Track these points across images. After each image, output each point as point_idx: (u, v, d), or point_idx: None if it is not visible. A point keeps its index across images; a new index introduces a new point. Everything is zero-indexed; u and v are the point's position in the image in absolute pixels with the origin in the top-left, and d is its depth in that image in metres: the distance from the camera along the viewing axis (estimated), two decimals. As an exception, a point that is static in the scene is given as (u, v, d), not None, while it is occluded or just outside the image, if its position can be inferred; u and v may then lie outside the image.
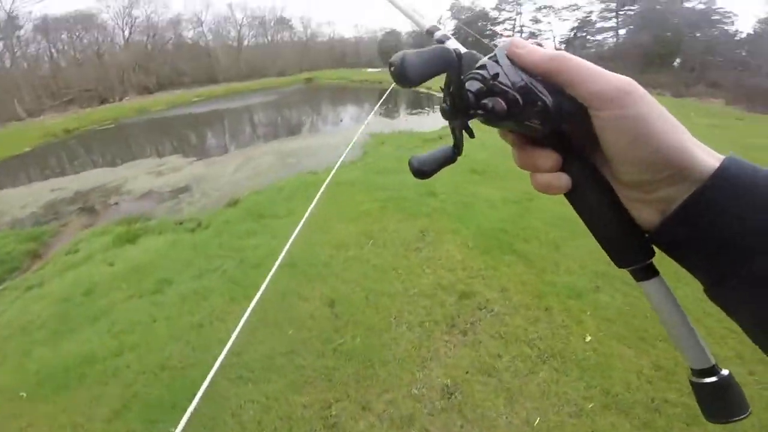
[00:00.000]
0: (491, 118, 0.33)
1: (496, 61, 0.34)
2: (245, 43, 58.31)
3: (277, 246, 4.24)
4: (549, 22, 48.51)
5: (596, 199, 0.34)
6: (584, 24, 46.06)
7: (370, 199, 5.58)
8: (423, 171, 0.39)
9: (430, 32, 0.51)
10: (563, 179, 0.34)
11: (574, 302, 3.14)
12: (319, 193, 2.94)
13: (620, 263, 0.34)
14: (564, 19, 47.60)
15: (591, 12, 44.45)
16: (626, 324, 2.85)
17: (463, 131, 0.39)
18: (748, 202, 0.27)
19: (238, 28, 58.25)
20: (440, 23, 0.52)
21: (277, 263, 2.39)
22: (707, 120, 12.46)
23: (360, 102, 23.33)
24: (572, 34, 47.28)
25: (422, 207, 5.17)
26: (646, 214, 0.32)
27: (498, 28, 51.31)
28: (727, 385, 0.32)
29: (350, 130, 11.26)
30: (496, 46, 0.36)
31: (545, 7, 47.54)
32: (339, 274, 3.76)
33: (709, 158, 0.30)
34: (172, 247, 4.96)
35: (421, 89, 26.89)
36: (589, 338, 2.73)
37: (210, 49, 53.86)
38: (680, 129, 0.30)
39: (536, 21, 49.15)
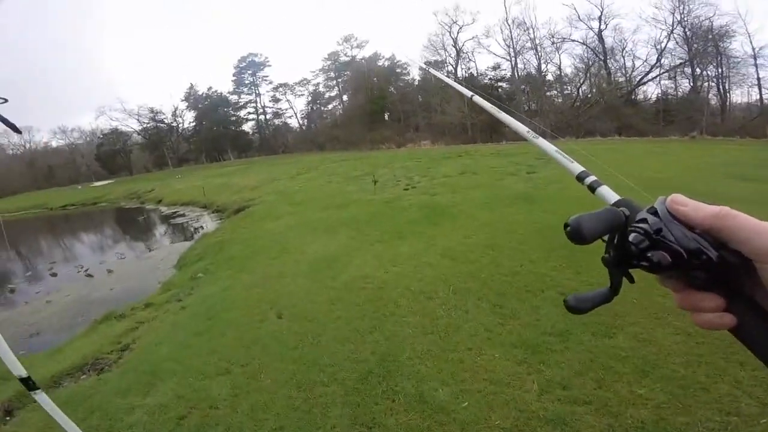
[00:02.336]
0: (655, 269, 0.34)
1: (656, 214, 0.35)
2: None
3: None
4: (288, 100, 49.64)
5: (764, 334, 0.33)
6: (316, 96, 49.44)
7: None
8: (579, 308, 0.40)
9: (580, 178, 0.53)
10: (726, 318, 0.34)
11: None
12: None
13: None
14: (300, 94, 49.43)
15: (318, 84, 48.29)
16: None
17: (623, 276, 0.40)
18: None
19: None
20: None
21: None
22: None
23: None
24: (309, 107, 50.17)
25: None
26: None
27: (241, 113, 49.13)
28: None
29: None
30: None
31: (281, 85, 48.54)
32: None
33: None
34: None
35: (132, 205, 20.27)
36: None
37: None
38: None
39: (276, 100, 49.57)
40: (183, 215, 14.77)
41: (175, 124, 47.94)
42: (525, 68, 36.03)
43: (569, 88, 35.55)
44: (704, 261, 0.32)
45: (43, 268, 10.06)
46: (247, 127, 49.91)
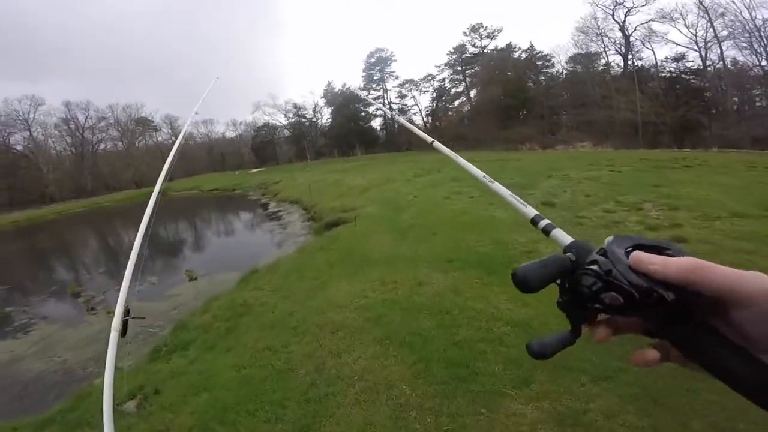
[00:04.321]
0: (609, 310, 0.33)
1: (605, 255, 0.33)
2: (90, 149, 42.90)
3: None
4: (413, 96, 46.32)
5: (734, 362, 0.30)
6: (441, 92, 44.50)
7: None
8: (544, 354, 0.37)
9: (534, 222, 0.51)
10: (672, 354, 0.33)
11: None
12: None
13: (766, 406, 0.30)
14: (425, 91, 45.28)
15: (444, 79, 43.30)
16: None
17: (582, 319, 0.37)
18: None
19: (81, 132, 42.54)
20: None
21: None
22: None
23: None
24: (434, 104, 45.62)
25: None
26: None
27: (370, 109, 48.04)
28: None
29: None
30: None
31: (407, 81, 45.45)
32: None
33: None
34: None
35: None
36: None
37: (33, 159, 37.24)
38: None
39: (402, 96, 46.85)
40: (279, 218, 11.99)
41: (314, 119, 49.81)
42: (719, 60, 22.90)
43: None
44: (657, 300, 0.30)
45: (57, 289, 8.02)
46: (376, 123, 48.44)
